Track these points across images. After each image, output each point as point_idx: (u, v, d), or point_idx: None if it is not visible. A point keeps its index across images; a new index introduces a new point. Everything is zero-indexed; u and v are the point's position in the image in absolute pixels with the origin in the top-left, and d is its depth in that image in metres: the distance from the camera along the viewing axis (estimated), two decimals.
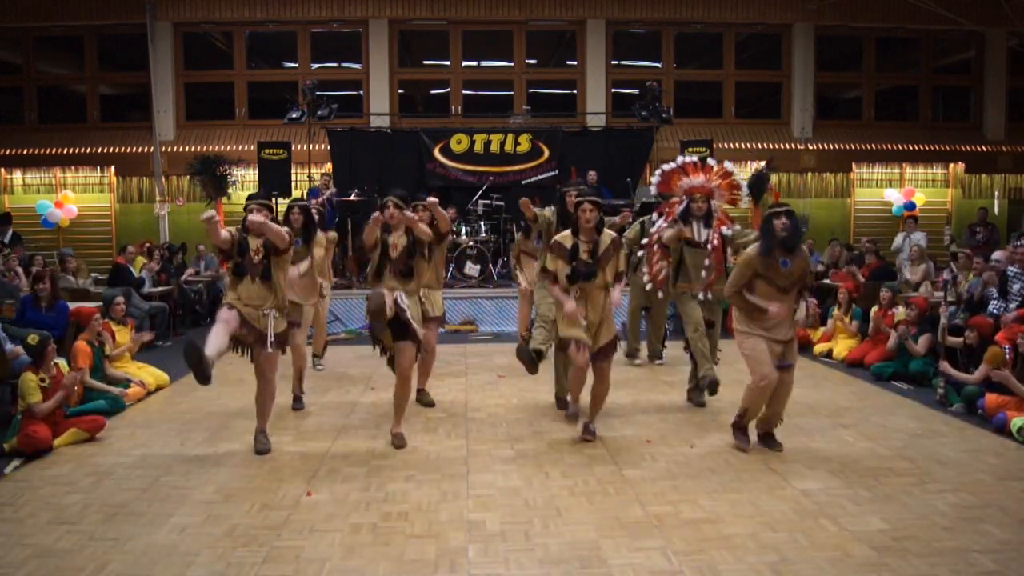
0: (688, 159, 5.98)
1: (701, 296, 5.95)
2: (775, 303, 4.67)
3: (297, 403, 6.12)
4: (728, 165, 5.94)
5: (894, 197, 13.47)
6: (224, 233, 4.72)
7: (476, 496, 4.16)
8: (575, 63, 13.69)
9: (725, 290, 4.94)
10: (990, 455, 4.82)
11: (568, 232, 4.99)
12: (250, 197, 5.10)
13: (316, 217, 6.57)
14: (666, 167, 6.05)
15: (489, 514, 3.92)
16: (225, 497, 4.15)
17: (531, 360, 5.51)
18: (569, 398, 5.73)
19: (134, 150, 13.04)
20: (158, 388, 6.73)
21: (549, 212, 5.95)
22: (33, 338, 5.24)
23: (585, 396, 5.28)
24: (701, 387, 5.96)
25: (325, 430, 5.47)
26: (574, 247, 4.89)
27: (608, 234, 4.97)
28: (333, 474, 4.52)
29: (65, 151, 12.92)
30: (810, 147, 13.56)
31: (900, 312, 7.49)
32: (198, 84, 13.63)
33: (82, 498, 4.14)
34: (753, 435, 5.09)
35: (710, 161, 5.98)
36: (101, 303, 7.21)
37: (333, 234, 7.34)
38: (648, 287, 6.34)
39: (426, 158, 12.02)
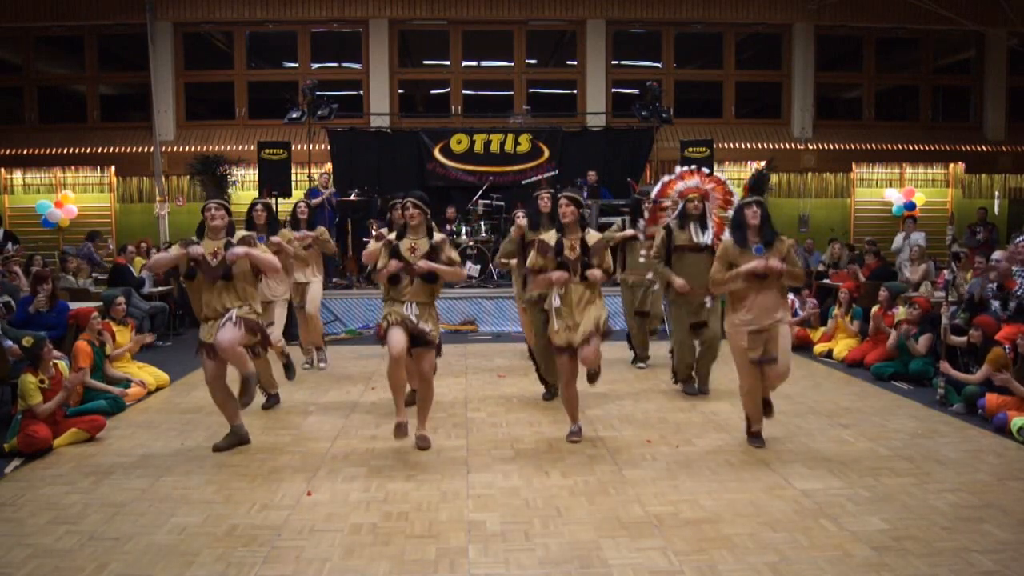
0: (683, 169, 6.23)
1: (709, 302, 6.11)
2: (755, 264, 4.68)
3: (271, 399, 6.14)
4: (721, 175, 6.21)
5: (894, 197, 13.47)
6: (173, 259, 4.84)
7: (476, 496, 4.16)
8: (575, 63, 13.70)
9: (712, 277, 4.94)
10: (990, 455, 4.82)
11: (553, 231, 5.01)
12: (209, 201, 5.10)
13: (305, 215, 6.95)
14: (665, 178, 6.31)
15: (489, 514, 3.91)
16: (225, 497, 4.15)
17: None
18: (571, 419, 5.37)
19: (134, 150, 13.04)
20: (158, 388, 6.73)
21: (515, 230, 6.18)
22: (28, 340, 5.23)
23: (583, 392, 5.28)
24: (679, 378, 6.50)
25: (325, 430, 5.46)
26: (558, 243, 4.91)
27: (594, 233, 5.00)
28: (333, 474, 4.52)
29: (65, 151, 12.92)
30: (810, 147, 13.57)
31: (901, 312, 7.49)
32: (198, 84, 13.64)
33: (82, 498, 4.14)
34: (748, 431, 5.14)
35: (704, 169, 6.23)
36: (101, 303, 7.21)
37: (322, 229, 7.40)
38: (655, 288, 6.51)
39: (426, 158, 12.02)
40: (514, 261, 6.33)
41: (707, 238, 6.01)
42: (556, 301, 4.91)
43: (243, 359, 4.83)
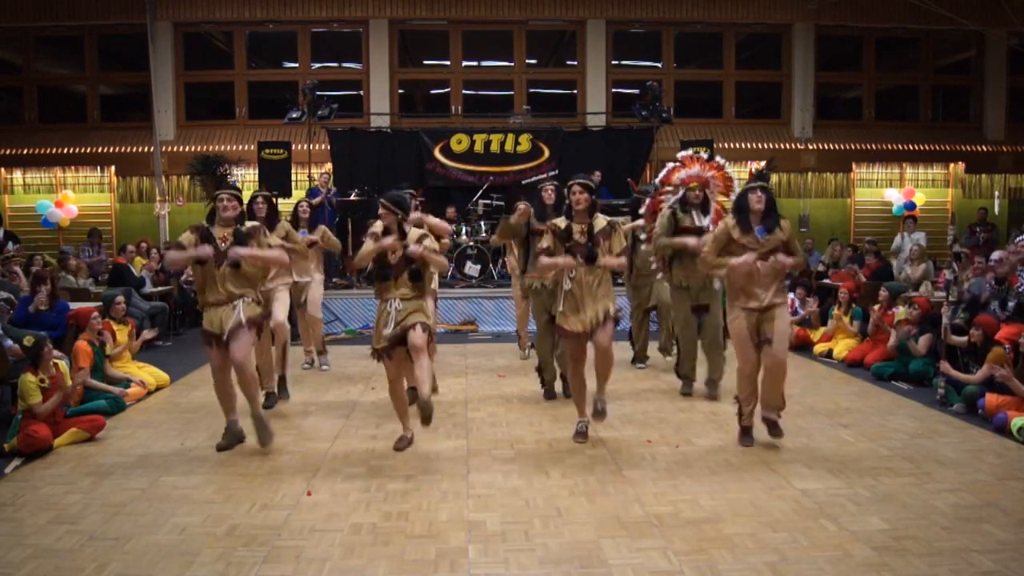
0: (685, 153, 6.25)
1: (718, 285, 6.14)
2: (745, 258, 4.72)
3: (278, 395, 6.17)
4: (720, 159, 6.21)
5: (894, 197, 13.47)
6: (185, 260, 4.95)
7: (476, 496, 4.16)
8: (575, 63, 13.69)
9: (703, 257, 4.99)
10: (990, 455, 4.82)
11: (563, 217, 5.02)
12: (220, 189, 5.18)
13: (307, 214, 6.98)
14: (669, 164, 6.35)
15: (489, 514, 3.92)
16: (225, 497, 4.15)
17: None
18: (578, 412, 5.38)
19: (134, 150, 13.04)
20: (158, 388, 6.72)
21: (520, 213, 6.15)
22: (29, 339, 5.24)
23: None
24: (680, 374, 6.51)
25: (325, 430, 5.47)
26: (567, 228, 4.92)
27: (603, 217, 5.00)
28: (333, 474, 4.52)
29: (65, 151, 12.91)
30: (810, 147, 13.56)
31: (901, 311, 7.49)
32: (198, 84, 13.63)
33: (82, 498, 4.14)
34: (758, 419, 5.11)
35: (703, 154, 6.27)
36: (101, 303, 7.21)
37: (323, 228, 7.41)
38: (660, 277, 6.57)
39: (426, 158, 12.02)
40: (514, 261, 6.33)
41: (707, 222, 6.00)
42: (568, 284, 4.92)
43: (253, 383, 4.91)
